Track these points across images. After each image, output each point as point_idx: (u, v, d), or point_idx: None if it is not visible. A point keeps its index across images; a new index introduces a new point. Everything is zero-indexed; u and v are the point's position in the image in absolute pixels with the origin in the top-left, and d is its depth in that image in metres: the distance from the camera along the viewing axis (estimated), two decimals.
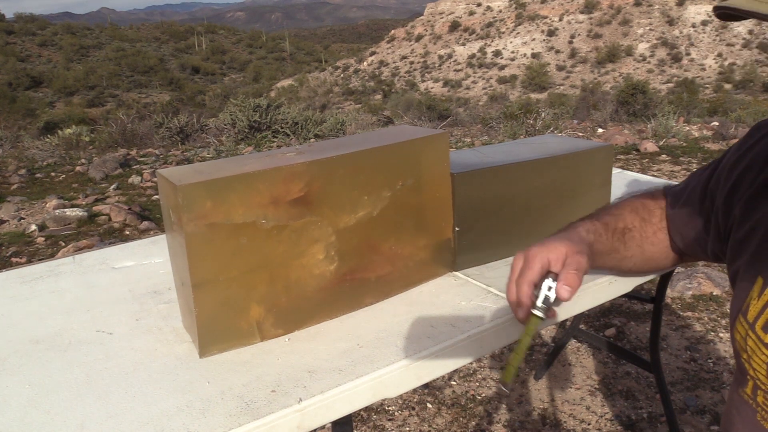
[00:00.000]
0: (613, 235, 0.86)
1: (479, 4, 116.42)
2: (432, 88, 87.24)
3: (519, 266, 0.78)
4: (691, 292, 2.96)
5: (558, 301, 0.76)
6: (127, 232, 4.62)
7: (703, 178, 0.86)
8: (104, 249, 1.37)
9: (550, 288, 0.75)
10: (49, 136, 11.14)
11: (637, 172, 2.29)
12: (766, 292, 0.67)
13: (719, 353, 2.44)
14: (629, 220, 0.89)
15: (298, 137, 10.88)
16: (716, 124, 8.97)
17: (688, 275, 3.08)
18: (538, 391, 2.28)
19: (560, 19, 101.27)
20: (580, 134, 8.95)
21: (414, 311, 0.99)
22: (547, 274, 0.76)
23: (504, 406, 2.21)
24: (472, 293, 1.05)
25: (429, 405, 2.22)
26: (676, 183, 0.98)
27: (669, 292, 2.96)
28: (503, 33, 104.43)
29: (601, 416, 2.10)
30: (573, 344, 2.59)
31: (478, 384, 2.35)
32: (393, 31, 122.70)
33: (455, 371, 2.40)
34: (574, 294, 0.74)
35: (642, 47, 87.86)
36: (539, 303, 0.75)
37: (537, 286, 0.76)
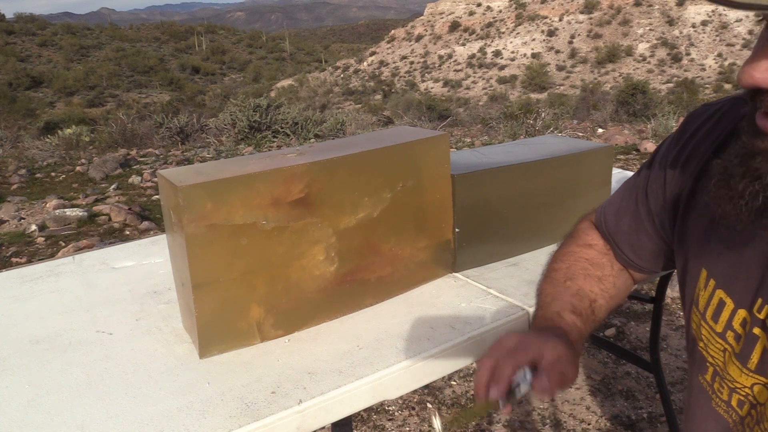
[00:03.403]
0: (587, 318, 0.82)
1: (479, 4, 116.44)
2: (432, 88, 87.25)
3: (488, 363, 0.70)
4: None
5: (527, 393, 0.67)
6: (127, 232, 4.61)
7: (640, 182, 0.84)
8: (104, 249, 1.37)
9: (524, 376, 0.66)
10: (49, 136, 11.13)
11: None
12: (710, 283, 0.69)
13: None
14: (589, 290, 0.84)
15: (298, 137, 10.88)
16: None
17: None
18: None
19: (560, 19, 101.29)
20: (580, 134, 8.95)
21: (414, 312, 0.99)
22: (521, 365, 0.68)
23: None
24: (471, 294, 1.05)
25: (429, 405, 2.22)
26: (595, 211, 0.94)
27: (669, 292, 2.96)
28: (503, 33, 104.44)
29: (601, 416, 2.10)
30: None
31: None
32: (393, 31, 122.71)
33: (455, 371, 2.40)
34: (551, 395, 0.68)
35: (642, 47, 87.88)
36: (512, 390, 0.67)
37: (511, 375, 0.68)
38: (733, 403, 0.67)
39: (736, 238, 0.65)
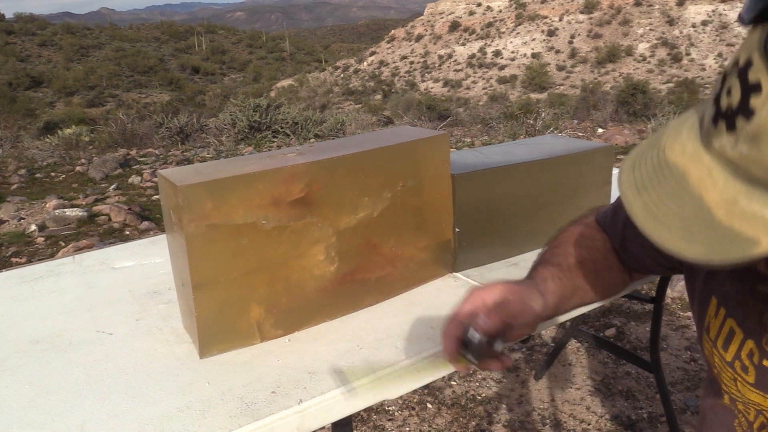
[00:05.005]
0: (570, 273, 0.82)
1: (479, 4, 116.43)
2: (432, 88, 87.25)
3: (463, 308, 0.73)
4: None
5: (483, 343, 0.70)
6: (127, 232, 4.61)
7: None
8: (104, 249, 1.37)
9: (473, 334, 0.70)
10: (49, 136, 11.12)
11: None
12: (720, 312, 0.68)
13: None
14: (577, 253, 0.85)
15: (298, 137, 10.88)
16: None
17: None
18: (538, 391, 2.28)
19: (560, 19, 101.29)
20: (580, 134, 8.95)
21: (414, 312, 0.99)
22: (478, 313, 0.71)
23: (504, 406, 2.20)
24: None
25: (429, 405, 2.22)
26: (604, 206, 0.94)
27: (669, 292, 2.96)
28: (503, 33, 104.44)
29: (601, 416, 2.10)
30: (573, 344, 2.58)
31: (478, 384, 2.35)
32: (393, 31, 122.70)
33: (455, 371, 2.40)
34: (486, 328, 0.69)
35: (642, 47, 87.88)
36: (466, 344, 0.70)
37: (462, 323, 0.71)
38: (756, 425, 0.66)
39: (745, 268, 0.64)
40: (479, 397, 2.26)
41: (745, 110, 0.41)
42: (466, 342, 0.70)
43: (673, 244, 0.44)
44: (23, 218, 4.99)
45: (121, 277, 1.20)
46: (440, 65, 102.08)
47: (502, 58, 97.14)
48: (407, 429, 2.10)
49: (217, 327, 0.87)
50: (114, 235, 4.52)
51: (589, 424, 2.07)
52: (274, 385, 0.79)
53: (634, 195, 0.49)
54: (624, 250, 0.85)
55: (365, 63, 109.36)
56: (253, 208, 0.85)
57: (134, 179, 6.65)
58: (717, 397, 0.72)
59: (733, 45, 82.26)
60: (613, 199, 1.18)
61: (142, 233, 4.62)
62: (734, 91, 0.43)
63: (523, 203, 1.20)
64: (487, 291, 0.73)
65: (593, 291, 0.85)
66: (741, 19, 0.44)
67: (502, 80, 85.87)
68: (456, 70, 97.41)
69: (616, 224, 0.87)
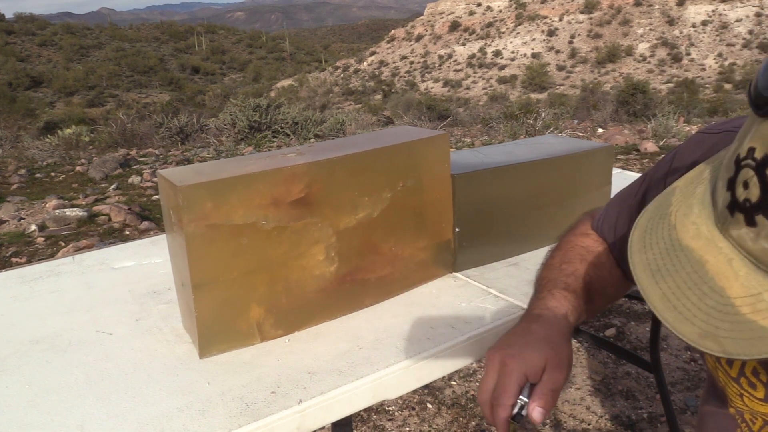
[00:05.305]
0: (583, 297, 0.81)
1: (479, 4, 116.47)
2: (432, 88, 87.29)
3: (493, 378, 0.69)
4: None
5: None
6: (127, 232, 4.61)
7: (638, 198, 0.83)
8: (104, 249, 1.37)
9: (522, 406, 0.69)
10: (49, 136, 11.12)
11: (637, 172, 2.28)
12: None
13: None
14: (585, 273, 0.83)
15: (298, 137, 10.88)
16: None
17: None
18: None
19: (560, 19, 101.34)
20: (580, 134, 8.95)
21: (414, 312, 0.99)
22: (522, 386, 0.69)
23: None
24: (472, 294, 1.05)
25: (429, 405, 2.22)
26: (598, 210, 0.93)
27: None
28: (503, 33, 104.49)
29: (601, 416, 2.10)
30: (573, 344, 2.58)
31: (478, 384, 2.35)
32: (393, 31, 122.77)
33: (455, 371, 2.40)
34: (547, 416, 0.68)
35: (642, 47, 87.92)
36: (515, 414, 0.69)
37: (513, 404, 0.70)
38: None
39: None
40: None
41: (767, 210, 0.40)
42: (516, 417, 0.69)
43: (697, 339, 0.43)
44: (23, 218, 4.99)
45: (120, 277, 1.20)
46: (440, 65, 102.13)
47: (502, 58, 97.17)
48: (407, 429, 2.10)
49: (217, 327, 0.87)
50: (114, 235, 4.52)
51: (589, 424, 2.07)
52: (274, 385, 0.79)
53: (650, 281, 0.47)
54: (625, 261, 0.85)
55: (365, 63, 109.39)
56: (253, 208, 0.85)
57: (134, 179, 6.65)
58: (720, 406, 0.71)
59: (733, 45, 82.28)
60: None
61: (142, 233, 4.62)
62: (753, 187, 0.41)
63: (523, 203, 1.20)
64: (529, 365, 0.67)
65: (598, 308, 0.84)
66: (757, 103, 0.42)
67: (502, 80, 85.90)
68: (456, 70, 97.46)
69: (616, 237, 0.86)
